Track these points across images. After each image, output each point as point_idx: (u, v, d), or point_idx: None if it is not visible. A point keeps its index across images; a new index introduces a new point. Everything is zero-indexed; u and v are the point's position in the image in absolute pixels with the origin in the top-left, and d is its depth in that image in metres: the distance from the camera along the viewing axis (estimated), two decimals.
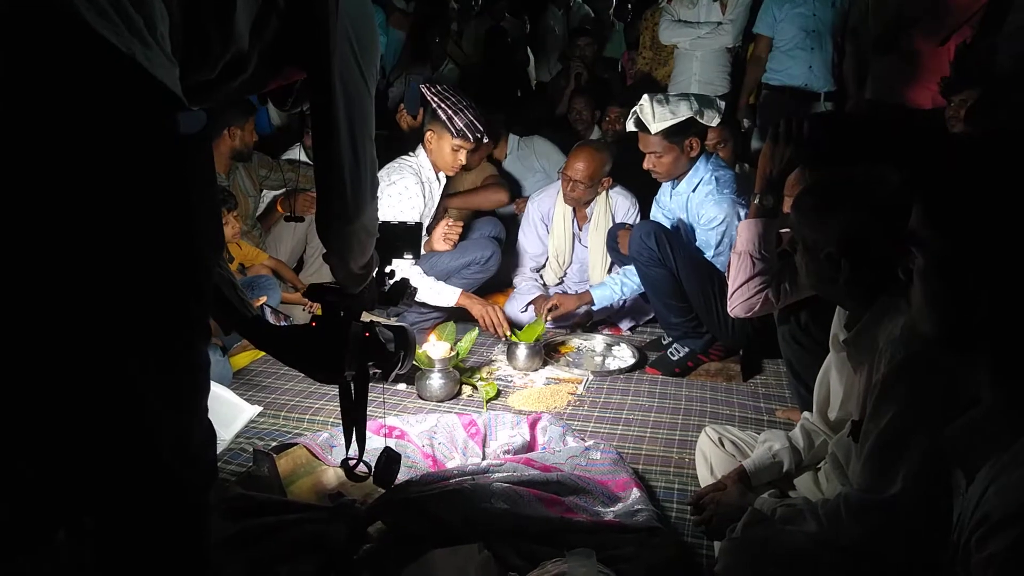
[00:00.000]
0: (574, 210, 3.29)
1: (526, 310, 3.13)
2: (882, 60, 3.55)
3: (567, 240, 3.33)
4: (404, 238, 1.51)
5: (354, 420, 1.42)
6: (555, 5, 5.70)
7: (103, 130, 0.76)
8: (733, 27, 4.06)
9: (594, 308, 3.08)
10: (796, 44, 3.84)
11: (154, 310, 0.84)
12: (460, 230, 3.12)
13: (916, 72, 3.42)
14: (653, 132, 2.59)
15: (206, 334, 0.94)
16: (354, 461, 1.45)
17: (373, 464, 1.49)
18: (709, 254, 2.67)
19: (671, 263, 2.59)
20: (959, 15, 3.26)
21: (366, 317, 1.40)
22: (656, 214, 2.96)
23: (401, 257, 1.52)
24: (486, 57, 5.11)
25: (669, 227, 2.77)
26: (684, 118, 2.57)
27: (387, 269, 1.50)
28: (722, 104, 2.68)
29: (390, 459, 1.48)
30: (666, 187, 2.87)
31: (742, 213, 2.57)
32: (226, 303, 1.30)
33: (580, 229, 3.34)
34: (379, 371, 1.40)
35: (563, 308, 3.02)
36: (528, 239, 3.41)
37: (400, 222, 1.54)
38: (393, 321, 1.47)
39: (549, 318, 2.99)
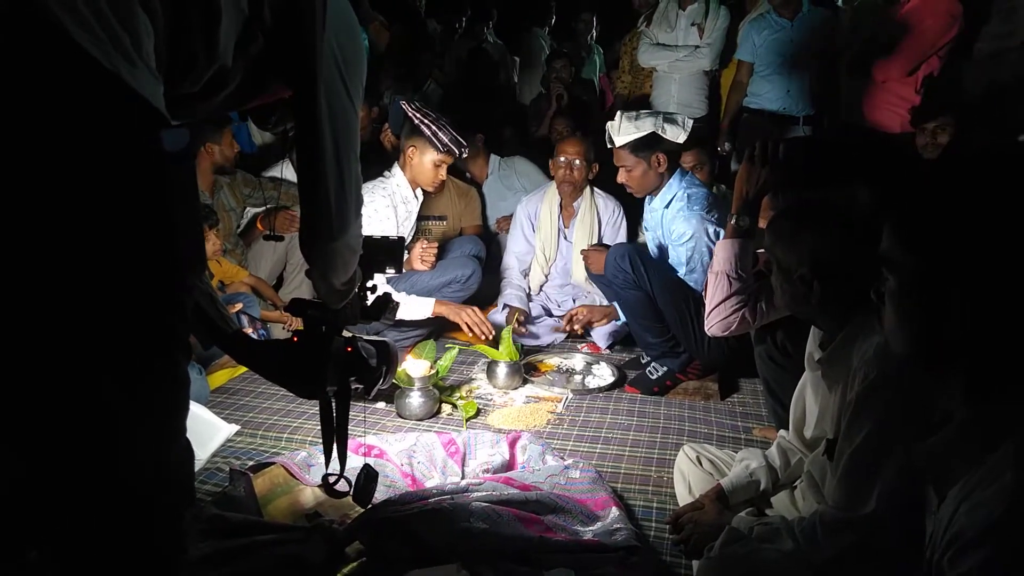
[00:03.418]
0: (560, 207, 3.39)
1: (503, 308, 3.26)
2: (855, 85, 3.64)
3: (553, 234, 3.41)
4: (386, 253, 1.51)
5: (335, 436, 1.41)
6: (539, 27, 5.76)
7: (87, 146, 0.76)
8: (711, 50, 4.13)
9: (618, 323, 3.10)
10: (775, 69, 3.93)
11: (134, 327, 0.83)
12: (436, 251, 3.14)
13: (886, 97, 3.51)
14: (616, 145, 2.70)
15: (186, 352, 0.94)
16: (334, 478, 1.44)
17: (353, 481, 1.48)
18: (682, 271, 2.70)
19: (646, 285, 2.62)
20: (928, 44, 3.36)
21: (346, 334, 1.40)
22: (644, 233, 3.03)
23: (383, 272, 1.51)
24: (468, 78, 5.15)
25: (655, 245, 2.83)
26: (646, 132, 2.65)
27: (369, 284, 1.50)
28: (689, 123, 2.71)
29: (369, 477, 1.47)
30: (646, 204, 2.92)
31: (711, 230, 2.61)
32: (206, 318, 1.29)
33: (567, 226, 3.42)
34: (361, 386, 1.39)
35: (588, 317, 3.03)
36: (516, 241, 3.51)
37: (383, 236, 1.53)
38: (375, 338, 1.46)
39: (575, 327, 3.05)
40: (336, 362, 1.30)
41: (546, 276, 3.49)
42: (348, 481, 1.44)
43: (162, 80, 0.86)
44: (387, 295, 1.54)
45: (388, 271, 1.52)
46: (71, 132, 0.75)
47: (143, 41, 0.81)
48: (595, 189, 3.38)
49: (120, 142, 0.78)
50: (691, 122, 2.71)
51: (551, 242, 3.42)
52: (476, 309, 2.97)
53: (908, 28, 3.37)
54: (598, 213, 3.36)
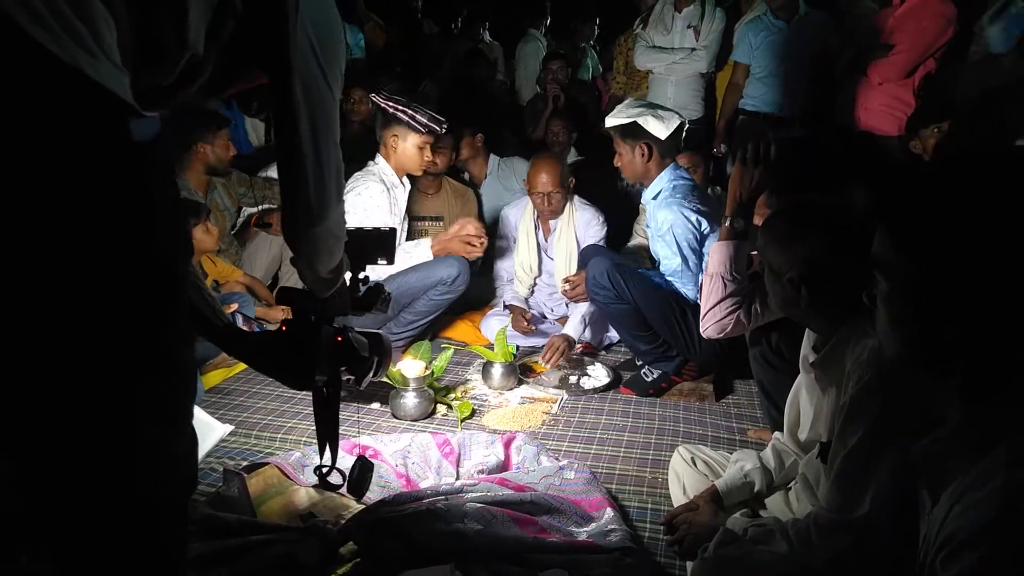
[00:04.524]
0: (537, 221, 3.36)
1: (504, 309, 3.29)
2: (851, 87, 3.65)
3: (531, 251, 3.38)
4: (377, 243, 1.49)
5: (327, 427, 1.39)
6: (535, 28, 5.77)
7: (53, 141, 0.75)
8: (707, 53, 4.13)
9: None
10: (771, 71, 3.93)
11: (124, 319, 0.82)
12: (482, 233, 3.10)
13: (884, 100, 3.52)
14: (605, 126, 2.76)
15: (187, 339, 0.93)
16: (327, 469, 1.41)
17: (347, 473, 1.46)
18: (674, 264, 2.64)
19: (628, 297, 2.61)
20: (925, 47, 3.37)
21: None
22: (642, 232, 3.03)
23: (375, 263, 1.49)
24: (465, 78, 5.15)
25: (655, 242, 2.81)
26: (628, 120, 2.67)
27: (360, 275, 1.47)
28: (675, 121, 2.68)
29: (364, 468, 1.45)
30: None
31: (692, 218, 2.59)
32: (194, 308, 1.27)
33: (546, 241, 3.39)
34: (352, 377, 1.37)
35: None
36: (502, 250, 3.50)
37: (373, 228, 1.51)
38: (369, 330, 1.45)
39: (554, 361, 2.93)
40: (326, 352, 1.28)
41: (531, 290, 3.47)
42: (341, 473, 1.42)
43: (128, 72, 0.85)
44: (379, 285, 1.51)
45: (380, 262, 1.49)
46: (37, 129, 0.74)
47: (103, 33, 0.81)
48: (575, 199, 3.30)
49: (87, 134, 0.78)
50: (678, 120, 2.69)
51: (530, 259, 3.39)
52: (469, 224, 3.04)
53: (904, 30, 3.38)
54: (576, 228, 3.29)
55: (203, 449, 2.18)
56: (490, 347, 2.93)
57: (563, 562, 1.63)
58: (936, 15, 3.34)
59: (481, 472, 2.04)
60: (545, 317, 3.44)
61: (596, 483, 2.00)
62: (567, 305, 3.39)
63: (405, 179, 3.14)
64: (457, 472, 2.08)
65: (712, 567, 1.39)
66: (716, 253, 2.06)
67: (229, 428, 2.33)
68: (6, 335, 0.78)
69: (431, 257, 3.01)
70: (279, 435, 2.35)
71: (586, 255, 3.07)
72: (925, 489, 0.93)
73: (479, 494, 1.83)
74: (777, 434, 1.77)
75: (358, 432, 2.32)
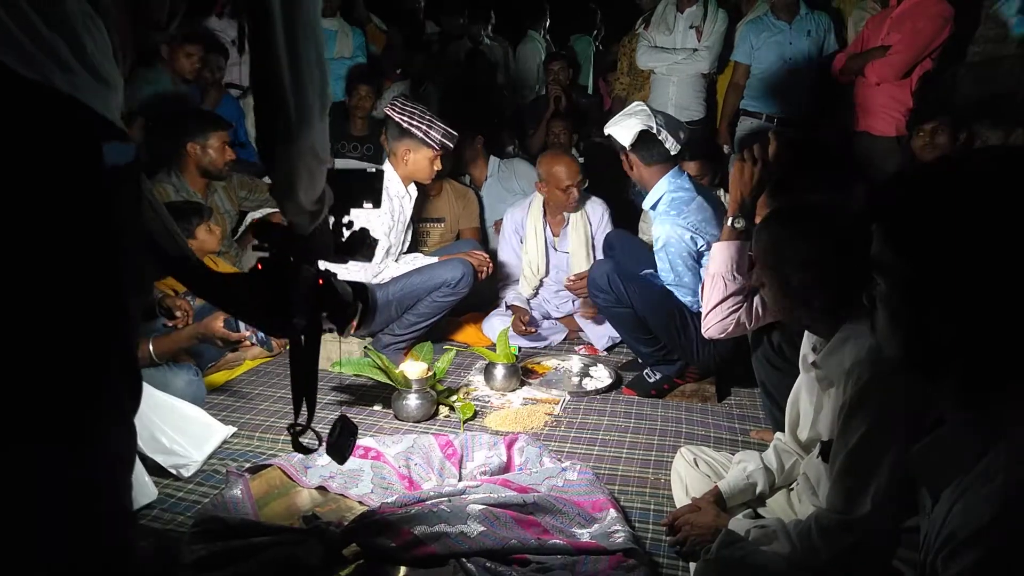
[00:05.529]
0: (545, 218, 3.36)
1: (506, 309, 3.29)
2: (850, 88, 3.66)
3: (539, 249, 3.38)
4: (364, 185, 1.37)
5: (305, 381, 1.25)
6: (534, 30, 5.78)
7: (16, 160, 0.73)
8: (709, 53, 4.13)
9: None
10: (772, 72, 3.93)
11: (67, 354, 0.79)
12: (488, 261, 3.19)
13: (882, 100, 3.52)
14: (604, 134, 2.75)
15: (129, 374, 0.90)
16: (300, 429, 1.24)
17: (323, 436, 1.31)
18: (669, 279, 2.61)
19: (627, 302, 2.60)
20: (922, 47, 3.37)
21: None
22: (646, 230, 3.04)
23: (360, 206, 1.37)
24: (466, 80, 5.16)
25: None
26: (607, 133, 2.66)
27: (345, 219, 1.34)
28: (636, 128, 2.58)
29: (345, 429, 1.32)
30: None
31: (686, 236, 2.53)
32: (158, 248, 1.16)
33: (556, 235, 3.39)
34: (333, 325, 1.26)
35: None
36: (504, 252, 3.50)
37: (359, 168, 1.41)
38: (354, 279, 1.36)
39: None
40: (304, 293, 1.18)
41: (535, 290, 3.46)
42: (317, 435, 1.29)
43: (114, 86, 0.84)
44: (364, 230, 1.38)
45: (365, 205, 1.37)
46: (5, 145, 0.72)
47: (86, 44, 0.79)
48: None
49: (56, 154, 0.75)
50: (640, 126, 2.58)
51: (539, 257, 3.39)
52: (476, 254, 3.14)
53: (901, 30, 3.38)
54: (588, 217, 3.32)
55: (205, 451, 2.18)
56: (492, 348, 2.93)
57: (566, 563, 1.64)
58: (933, 15, 3.34)
59: (484, 473, 2.04)
60: (547, 317, 3.44)
61: (598, 484, 2.00)
62: (573, 303, 3.39)
63: (412, 187, 3.14)
64: (460, 474, 2.08)
65: (714, 568, 1.39)
66: (718, 253, 2.06)
67: (232, 430, 2.33)
68: None
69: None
70: (282, 436, 2.35)
71: (611, 241, 3.14)
72: (925, 488, 0.93)
73: (482, 495, 1.83)
74: (779, 434, 1.78)
75: (360, 434, 2.32)
